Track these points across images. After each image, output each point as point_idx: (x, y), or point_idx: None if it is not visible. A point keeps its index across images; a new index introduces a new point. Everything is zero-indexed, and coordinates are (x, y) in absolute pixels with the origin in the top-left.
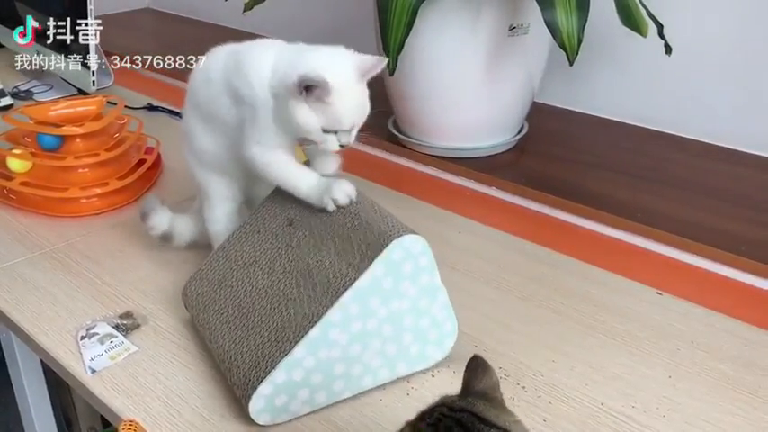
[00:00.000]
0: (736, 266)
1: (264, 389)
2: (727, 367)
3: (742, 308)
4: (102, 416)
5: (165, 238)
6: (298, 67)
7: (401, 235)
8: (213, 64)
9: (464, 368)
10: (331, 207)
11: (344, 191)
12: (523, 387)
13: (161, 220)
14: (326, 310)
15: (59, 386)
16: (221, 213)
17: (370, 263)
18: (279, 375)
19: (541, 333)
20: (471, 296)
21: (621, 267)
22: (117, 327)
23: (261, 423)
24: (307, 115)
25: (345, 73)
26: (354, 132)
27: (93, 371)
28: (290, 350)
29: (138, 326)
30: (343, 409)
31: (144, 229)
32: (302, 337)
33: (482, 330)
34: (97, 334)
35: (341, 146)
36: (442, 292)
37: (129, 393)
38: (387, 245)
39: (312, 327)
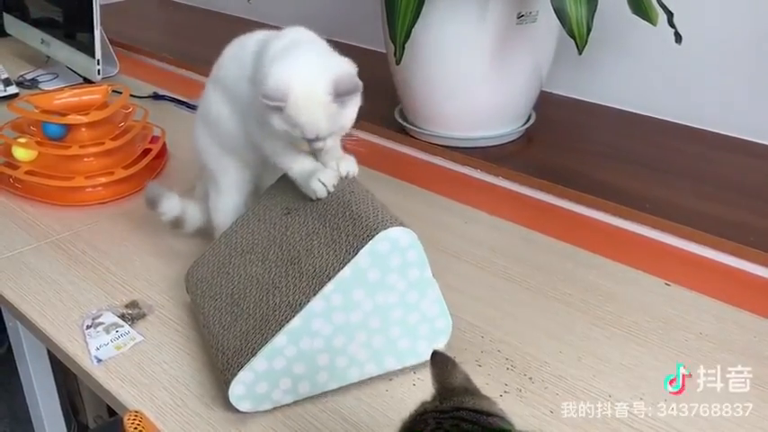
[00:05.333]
0: (746, 257)
1: (245, 376)
2: (735, 359)
3: (751, 299)
4: (108, 404)
5: (176, 224)
6: (265, 79)
7: (388, 227)
8: (247, 45)
9: (434, 366)
10: (313, 195)
11: (325, 179)
12: (530, 378)
13: (171, 205)
14: (309, 300)
15: (66, 375)
16: (228, 203)
17: (355, 254)
18: (259, 363)
19: (548, 324)
20: (477, 286)
21: (629, 258)
22: (122, 316)
23: (241, 410)
24: (275, 122)
25: (309, 91)
26: (330, 140)
27: (99, 360)
28: (271, 338)
29: (143, 315)
30: (348, 399)
31: (151, 218)
32: (284, 325)
33: (488, 321)
34: (103, 323)
35: (315, 149)
36: (434, 287)
37: (135, 383)
38: (372, 237)
39: (294, 316)
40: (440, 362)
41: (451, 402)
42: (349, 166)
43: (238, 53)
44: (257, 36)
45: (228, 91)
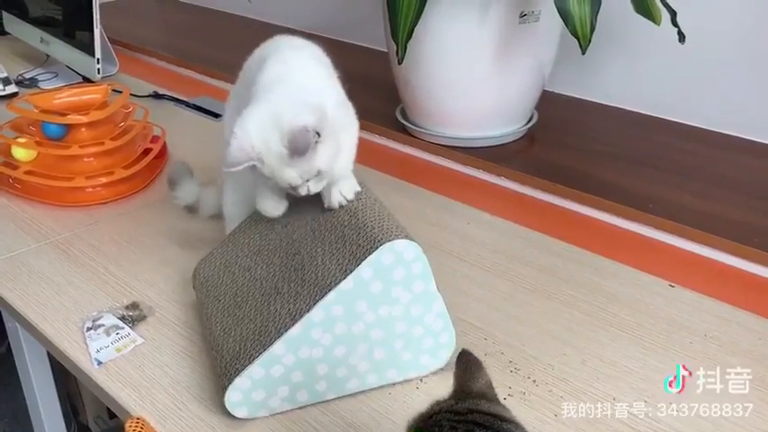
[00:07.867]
0: (750, 258)
1: (241, 383)
2: (739, 361)
3: (755, 300)
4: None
5: (190, 210)
6: (235, 130)
7: (392, 239)
8: (270, 45)
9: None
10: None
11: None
12: (534, 381)
13: (189, 191)
14: (309, 309)
15: (66, 376)
16: (242, 197)
17: (357, 265)
18: (257, 370)
19: (552, 326)
20: (480, 288)
21: (633, 259)
22: (123, 318)
23: (238, 416)
24: (256, 171)
25: (266, 150)
26: (312, 184)
27: (100, 363)
28: (269, 346)
29: (144, 317)
30: (351, 402)
31: (152, 218)
32: (283, 333)
33: (491, 323)
34: (103, 325)
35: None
36: (438, 300)
37: (136, 385)
38: (376, 248)
39: (293, 324)
40: (465, 363)
41: (466, 404)
42: (340, 193)
43: (261, 54)
44: (281, 39)
45: (248, 90)
